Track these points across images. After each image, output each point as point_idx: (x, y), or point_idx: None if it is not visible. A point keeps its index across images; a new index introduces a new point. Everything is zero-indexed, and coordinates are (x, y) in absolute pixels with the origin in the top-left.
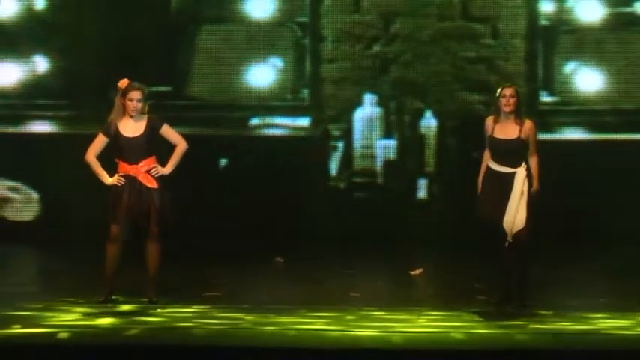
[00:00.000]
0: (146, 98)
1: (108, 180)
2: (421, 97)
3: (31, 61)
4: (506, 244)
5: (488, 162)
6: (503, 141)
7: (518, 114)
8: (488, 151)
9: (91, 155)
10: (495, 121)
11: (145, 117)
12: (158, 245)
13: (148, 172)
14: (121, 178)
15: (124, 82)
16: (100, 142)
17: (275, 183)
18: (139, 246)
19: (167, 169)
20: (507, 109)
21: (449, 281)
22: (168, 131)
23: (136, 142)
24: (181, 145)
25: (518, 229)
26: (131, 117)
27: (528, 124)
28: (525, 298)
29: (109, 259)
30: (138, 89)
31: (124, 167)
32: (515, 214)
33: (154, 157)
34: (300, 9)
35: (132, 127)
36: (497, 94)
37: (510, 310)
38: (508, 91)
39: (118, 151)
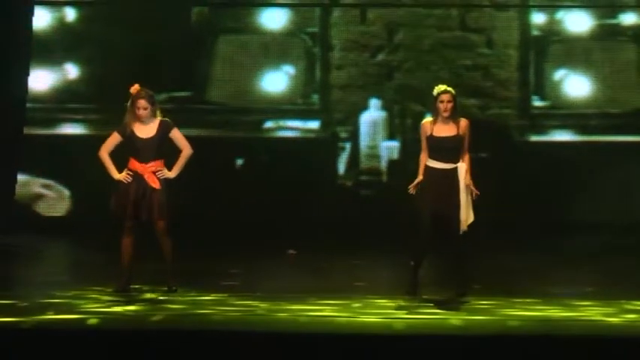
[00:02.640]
0: (154, 102)
1: (116, 175)
2: (422, 101)
3: (62, 69)
4: (461, 232)
5: (428, 162)
6: (445, 138)
7: (455, 115)
8: (425, 153)
9: (104, 151)
10: (433, 123)
11: (157, 119)
12: (168, 238)
13: (154, 172)
14: (129, 175)
15: (134, 89)
16: (114, 140)
17: (287, 181)
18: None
19: (172, 173)
20: (446, 114)
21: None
22: (177, 135)
23: (148, 142)
24: (186, 151)
25: (472, 219)
26: (141, 122)
27: (464, 122)
28: (466, 286)
29: (124, 252)
30: (144, 98)
31: (134, 165)
32: (468, 206)
33: (162, 161)
34: (310, 20)
35: (145, 129)
36: (435, 96)
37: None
38: (446, 97)
39: (132, 150)
